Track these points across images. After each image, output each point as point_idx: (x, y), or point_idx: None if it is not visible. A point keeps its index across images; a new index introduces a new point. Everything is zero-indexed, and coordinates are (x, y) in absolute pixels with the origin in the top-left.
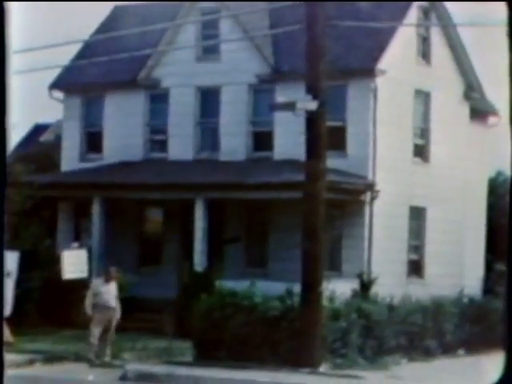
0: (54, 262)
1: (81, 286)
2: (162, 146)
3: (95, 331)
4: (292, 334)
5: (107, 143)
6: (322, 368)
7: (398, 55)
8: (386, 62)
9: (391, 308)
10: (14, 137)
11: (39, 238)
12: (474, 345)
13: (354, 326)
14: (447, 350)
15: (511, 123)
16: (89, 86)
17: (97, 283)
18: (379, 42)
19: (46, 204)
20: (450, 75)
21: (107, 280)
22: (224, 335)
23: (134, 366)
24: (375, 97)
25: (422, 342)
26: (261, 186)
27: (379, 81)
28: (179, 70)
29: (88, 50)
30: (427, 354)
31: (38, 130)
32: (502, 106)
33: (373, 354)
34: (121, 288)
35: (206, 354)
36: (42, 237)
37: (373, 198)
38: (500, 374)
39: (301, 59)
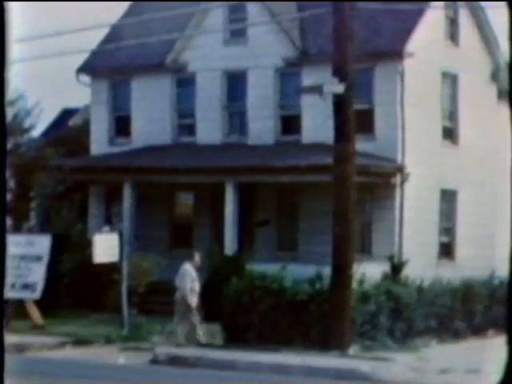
0: (86, 245)
1: (112, 269)
2: (190, 129)
3: (196, 316)
4: (321, 317)
5: (135, 127)
6: (352, 350)
7: (426, 37)
8: (413, 44)
9: (421, 290)
10: (43, 121)
11: (71, 222)
12: (504, 326)
13: (383, 308)
14: (477, 331)
15: None
16: (116, 70)
17: (190, 268)
18: (407, 25)
19: (77, 188)
20: (477, 57)
21: (194, 265)
22: (253, 318)
23: (164, 349)
24: (403, 79)
25: (451, 324)
26: (290, 170)
27: (407, 63)
28: (206, 54)
29: (115, 34)
30: (457, 335)
31: (66, 114)
32: None
33: (402, 337)
34: (149, 272)
35: (236, 337)
36: (73, 221)
37: (403, 181)
38: (503, 372)
39: (328, 42)
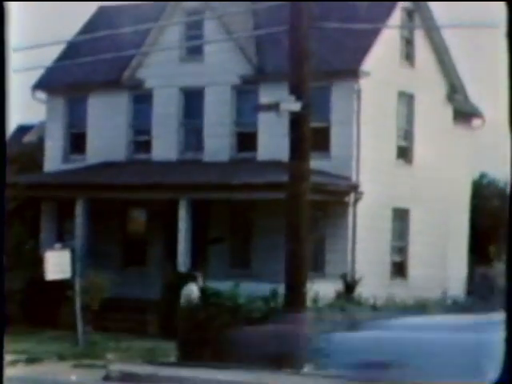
0: (38, 262)
1: (65, 286)
2: (146, 146)
3: None
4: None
5: (90, 144)
6: (306, 368)
7: (382, 57)
8: (369, 63)
9: (374, 309)
10: None
11: (22, 239)
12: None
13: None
14: None
15: (511, 125)
16: (72, 87)
17: (196, 289)
18: (363, 44)
19: (30, 205)
20: (433, 77)
21: (198, 285)
22: (208, 335)
23: (117, 366)
24: (359, 98)
25: None
26: (244, 187)
27: (363, 82)
28: (163, 71)
29: (71, 50)
30: None
31: (21, 130)
32: (485, 108)
33: None
34: (102, 288)
35: (190, 355)
36: (25, 237)
37: (356, 200)
38: (499, 373)
39: (284, 60)
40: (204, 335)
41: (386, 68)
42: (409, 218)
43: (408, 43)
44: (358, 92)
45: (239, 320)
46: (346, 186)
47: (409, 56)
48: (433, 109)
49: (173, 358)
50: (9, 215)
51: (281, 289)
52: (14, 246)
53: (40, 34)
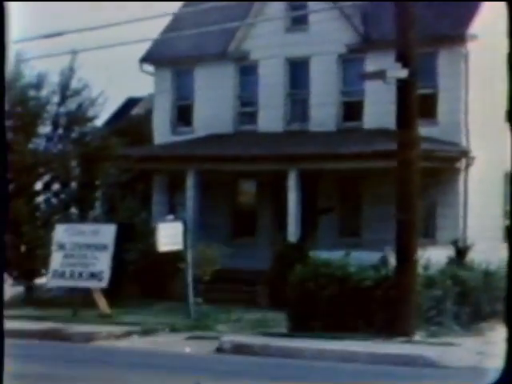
0: (150, 234)
1: (176, 257)
2: (252, 117)
3: None
4: (386, 303)
5: (197, 116)
6: (417, 336)
7: (489, 20)
8: (476, 27)
9: (487, 274)
10: (107, 110)
11: (135, 211)
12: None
13: (449, 293)
14: None
15: (510, 120)
16: (179, 59)
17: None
18: (470, 8)
19: (141, 177)
20: None
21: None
22: (318, 306)
23: (229, 338)
24: (466, 63)
25: None
26: (353, 156)
27: (470, 46)
28: (268, 42)
29: (177, 23)
30: None
31: (131, 103)
32: None
33: (468, 321)
34: (213, 260)
35: (301, 325)
36: (137, 209)
37: (468, 165)
38: (500, 372)
39: (390, 27)
40: (314, 305)
41: (494, 31)
42: None
43: None
44: (466, 56)
45: (349, 289)
46: (457, 152)
47: None
48: None
49: (283, 329)
50: (121, 188)
51: (391, 257)
52: (127, 218)
53: (145, 7)
